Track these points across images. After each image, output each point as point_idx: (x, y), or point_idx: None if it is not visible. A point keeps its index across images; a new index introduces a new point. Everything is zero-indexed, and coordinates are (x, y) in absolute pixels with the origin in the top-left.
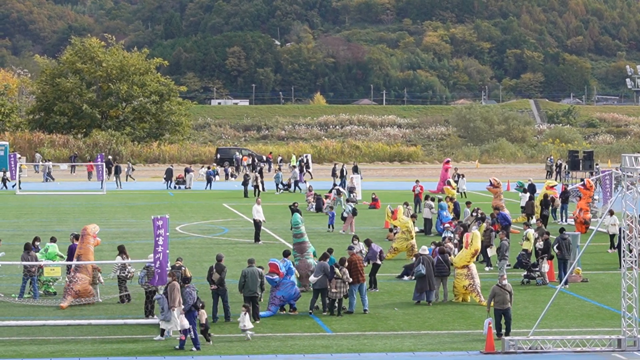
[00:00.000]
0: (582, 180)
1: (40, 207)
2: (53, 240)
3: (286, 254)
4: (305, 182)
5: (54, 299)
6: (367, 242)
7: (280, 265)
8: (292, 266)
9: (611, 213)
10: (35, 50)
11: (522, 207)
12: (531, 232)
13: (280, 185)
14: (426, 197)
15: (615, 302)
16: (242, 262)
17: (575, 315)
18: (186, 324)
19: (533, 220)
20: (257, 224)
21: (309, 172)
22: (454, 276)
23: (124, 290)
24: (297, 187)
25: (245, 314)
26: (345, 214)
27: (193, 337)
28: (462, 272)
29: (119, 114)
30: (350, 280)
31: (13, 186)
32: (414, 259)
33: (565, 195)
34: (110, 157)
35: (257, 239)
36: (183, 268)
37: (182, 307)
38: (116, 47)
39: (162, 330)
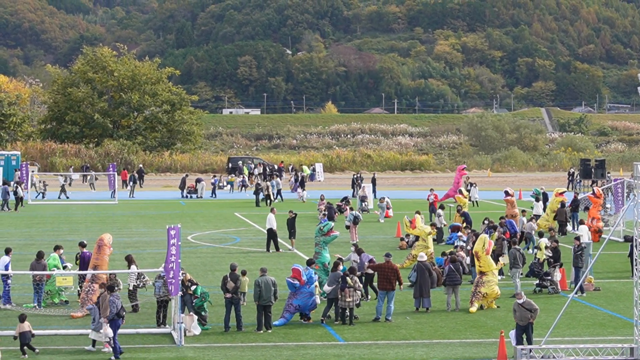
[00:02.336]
0: (592, 189)
1: (52, 216)
2: (56, 249)
3: (309, 262)
4: (303, 191)
5: (66, 308)
6: (359, 252)
7: (303, 272)
8: (313, 275)
9: (581, 222)
10: (47, 59)
11: (535, 216)
12: (543, 242)
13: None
14: (440, 207)
15: (628, 311)
16: (254, 272)
17: (587, 324)
18: (110, 332)
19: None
20: (270, 233)
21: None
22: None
23: (136, 299)
24: (280, 196)
25: (107, 324)
26: (347, 223)
27: (113, 345)
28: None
29: (131, 124)
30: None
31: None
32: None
33: (575, 204)
34: (140, 165)
35: (269, 248)
36: (185, 274)
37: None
38: (128, 56)
39: (94, 341)
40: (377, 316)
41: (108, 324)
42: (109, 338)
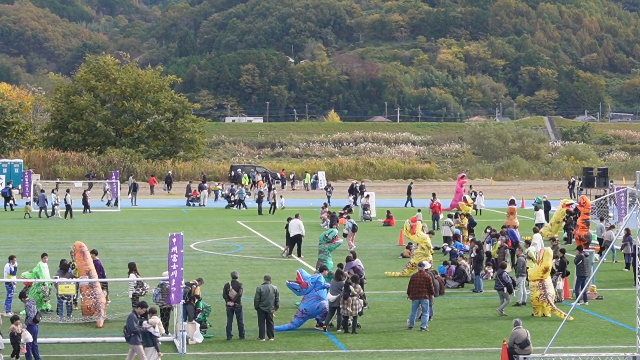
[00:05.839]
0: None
1: (54, 224)
2: (43, 256)
3: (322, 269)
4: (280, 198)
5: (72, 316)
6: (348, 259)
7: (305, 275)
8: (321, 281)
9: (535, 230)
10: (50, 68)
11: (536, 225)
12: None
13: (226, 199)
14: (454, 215)
15: (630, 320)
16: (257, 280)
17: (590, 333)
18: (29, 337)
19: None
20: (295, 239)
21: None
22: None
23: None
24: (243, 205)
25: (25, 329)
26: (345, 231)
27: (25, 351)
28: (534, 284)
29: (133, 132)
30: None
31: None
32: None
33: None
34: (170, 172)
35: (299, 253)
36: (194, 286)
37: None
38: (130, 64)
39: None
40: (410, 325)
41: (25, 328)
42: (27, 343)
